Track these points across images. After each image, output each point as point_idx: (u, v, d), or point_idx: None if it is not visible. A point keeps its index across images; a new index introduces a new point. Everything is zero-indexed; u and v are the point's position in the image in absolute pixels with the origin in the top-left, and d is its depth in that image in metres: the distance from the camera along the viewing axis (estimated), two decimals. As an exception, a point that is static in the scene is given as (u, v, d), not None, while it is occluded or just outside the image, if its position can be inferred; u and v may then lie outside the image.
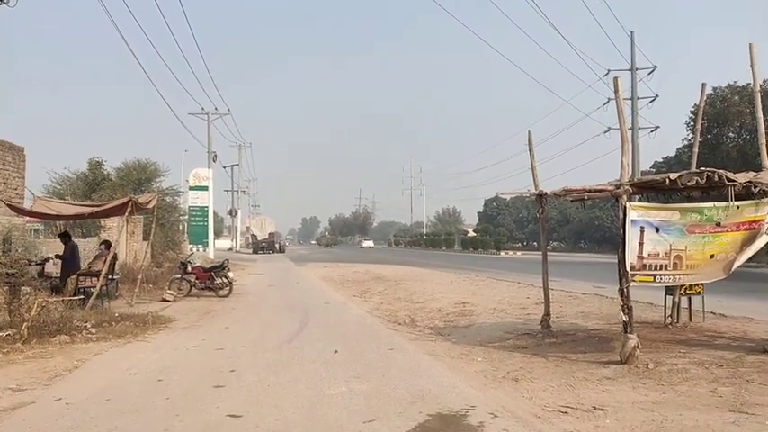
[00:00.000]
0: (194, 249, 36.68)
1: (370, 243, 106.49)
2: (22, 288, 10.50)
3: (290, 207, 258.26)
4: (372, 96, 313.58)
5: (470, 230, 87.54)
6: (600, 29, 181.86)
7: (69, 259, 13.34)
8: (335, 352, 8.34)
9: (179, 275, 16.67)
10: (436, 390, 6.22)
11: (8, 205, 11.39)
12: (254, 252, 61.07)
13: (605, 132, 40.09)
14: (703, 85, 10.97)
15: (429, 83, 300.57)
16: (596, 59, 78.38)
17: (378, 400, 5.81)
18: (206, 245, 40.99)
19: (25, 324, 8.90)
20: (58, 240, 14.67)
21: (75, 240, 15.98)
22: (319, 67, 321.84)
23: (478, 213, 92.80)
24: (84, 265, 14.08)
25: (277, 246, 66.28)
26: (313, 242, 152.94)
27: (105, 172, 26.75)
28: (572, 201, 9.80)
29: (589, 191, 8.43)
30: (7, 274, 10.68)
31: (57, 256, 13.60)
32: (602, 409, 5.47)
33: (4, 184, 11.55)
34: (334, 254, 62.96)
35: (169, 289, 15.76)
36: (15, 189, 12.33)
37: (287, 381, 6.71)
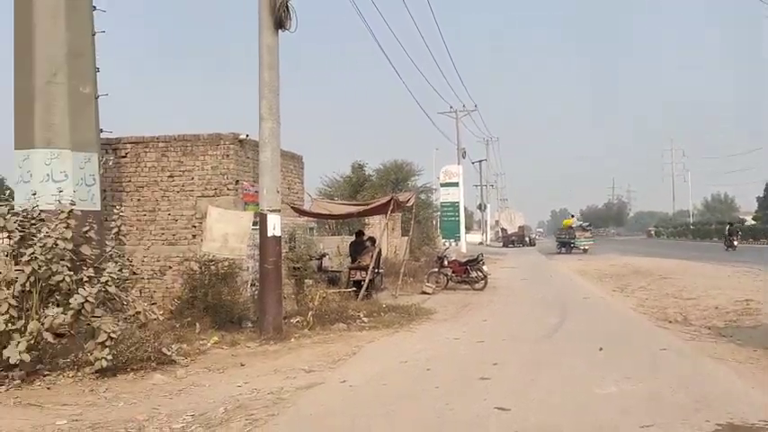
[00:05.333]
0: (447, 244, 37.96)
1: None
2: (305, 281, 11.92)
3: (539, 199, 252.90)
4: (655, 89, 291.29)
5: (749, 218, 76.65)
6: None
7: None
8: (600, 349, 7.96)
9: (436, 269, 17.41)
10: (724, 397, 5.56)
11: (292, 207, 13.02)
12: (504, 245, 61.11)
13: None
14: None
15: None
16: None
17: (654, 404, 5.40)
18: (458, 239, 42.07)
19: (311, 313, 10.11)
20: (332, 237, 16.49)
21: (341, 237, 17.83)
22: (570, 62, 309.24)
23: (758, 198, 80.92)
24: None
25: (527, 239, 65.26)
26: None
27: (367, 173, 29.11)
28: None
29: None
30: (294, 268, 12.23)
31: (352, 248, 15.48)
32: None
33: (288, 189, 13.18)
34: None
35: (428, 282, 16.57)
36: (297, 193, 14.01)
37: (550, 376, 6.61)
